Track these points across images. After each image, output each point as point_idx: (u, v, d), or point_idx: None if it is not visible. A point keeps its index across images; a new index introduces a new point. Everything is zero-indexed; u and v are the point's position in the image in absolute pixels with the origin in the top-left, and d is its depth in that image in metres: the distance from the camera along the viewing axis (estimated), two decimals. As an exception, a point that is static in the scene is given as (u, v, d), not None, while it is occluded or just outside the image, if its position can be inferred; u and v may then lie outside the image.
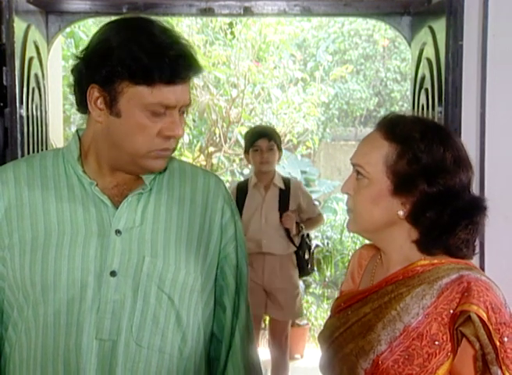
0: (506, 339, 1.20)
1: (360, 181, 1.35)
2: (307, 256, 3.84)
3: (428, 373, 1.23)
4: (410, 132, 1.31)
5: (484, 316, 1.20)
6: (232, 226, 1.51)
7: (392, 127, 1.33)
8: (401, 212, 1.31)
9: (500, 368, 1.19)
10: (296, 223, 3.75)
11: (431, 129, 1.34)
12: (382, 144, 1.32)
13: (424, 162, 1.28)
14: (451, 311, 1.24)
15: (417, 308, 1.27)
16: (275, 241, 3.74)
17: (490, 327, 1.20)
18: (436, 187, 1.28)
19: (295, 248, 3.80)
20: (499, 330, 1.20)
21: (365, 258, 1.51)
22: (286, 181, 3.87)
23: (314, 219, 3.94)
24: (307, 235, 3.85)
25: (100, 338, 1.34)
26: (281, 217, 3.72)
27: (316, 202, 8.77)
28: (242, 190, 3.82)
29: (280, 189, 3.79)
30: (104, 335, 1.34)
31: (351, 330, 1.35)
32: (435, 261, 1.32)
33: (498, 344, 1.19)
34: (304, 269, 3.87)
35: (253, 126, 6.16)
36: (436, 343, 1.24)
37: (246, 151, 3.86)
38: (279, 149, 3.81)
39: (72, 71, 1.36)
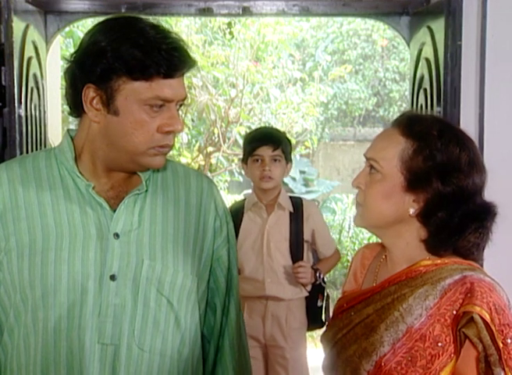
0: (509, 341, 1.20)
1: (373, 176, 1.34)
2: (319, 303, 2.89)
3: (432, 374, 1.23)
4: (429, 130, 1.31)
5: (487, 317, 1.20)
6: (224, 227, 1.51)
7: (411, 124, 1.34)
8: (412, 210, 1.31)
9: (503, 370, 1.19)
10: (313, 268, 2.82)
11: (448, 128, 1.35)
12: (398, 140, 1.32)
13: (439, 160, 1.29)
14: (454, 312, 1.24)
15: (420, 310, 1.27)
16: (282, 281, 2.81)
17: (493, 328, 1.19)
18: (450, 186, 1.28)
19: (307, 293, 2.86)
20: (502, 331, 1.20)
21: (368, 258, 1.50)
22: (297, 201, 2.91)
23: (330, 260, 2.97)
24: (322, 277, 2.88)
25: (102, 343, 1.33)
26: (291, 251, 2.84)
27: (315, 202, 8.80)
28: (236, 213, 2.78)
29: (289, 212, 2.86)
30: (106, 339, 1.33)
31: (354, 331, 1.35)
32: (439, 261, 1.31)
33: (501, 345, 1.19)
34: (315, 319, 2.90)
35: (253, 126, 6.15)
36: (439, 344, 1.23)
37: (243, 160, 2.92)
38: (288, 160, 2.86)
39: (65, 74, 1.35)
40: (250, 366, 1.60)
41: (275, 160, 2.80)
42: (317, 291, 2.88)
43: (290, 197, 2.95)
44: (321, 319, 2.93)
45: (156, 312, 1.37)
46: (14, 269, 1.33)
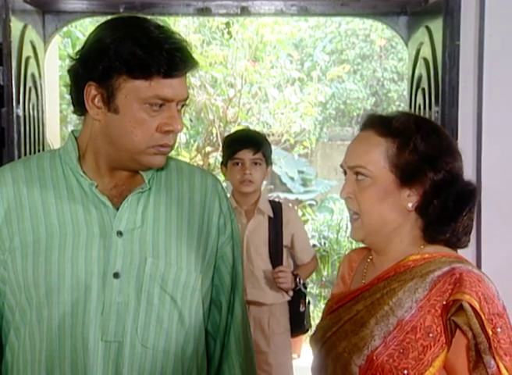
0: (499, 329, 1.21)
1: (361, 182, 1.35)
2: (302, 308, 2.89)
3: (424, 365, 1.24)
4: (406, 124, 1.34)
5: (476, 305, 1.21)
6: (229, 225, 1.52)
7: (386, 123, 1.35)
8: (410, 204, 1.33)
9: (494, 358, 1.20)
10: (293, 274, 2.81)
11: (422, 120, 1.40)
12: (378, 142, 1.34)
13: (424, 151, 1.31)
14: (444, 302, 1.26)
15: (410, 302, 1.28)
16: (263, 286, 2.79)
17: (483, 317, 1.21)
18: (441, 172, 1.31)
19: (289, 297, 2.85)
20: (492, 320, 1.22)
21: (355, 261, 1.52)
22: (276, 206, 2.88)
23: (309, 267, 2.97)
24: (303, 283, 2.87)
25: (105, 340, 1.34)
26: (271, 256, 2.82)
27: (313, 202, 8.80)
28: None
29: (269, 217, 2.84)
30: (110, 337, 1.34)
31: (343, 328, 1.36)
32: (427, 255, 1.34)
33: (490, 333, 1.21)
34: (297, 325, 2.90)
35: (251, 126, 6.14)
36: (431, 335, 1.25)
37: (223, 163, 2.87)
38: (268, 163, 2.83)
39: (69, 72, 1.37)
40: (256, 363, 1.60)
41: (256, 164, 2.75)
42: (299, 296, 2.86)
43: (269, 201, 2.92)
44: (304, 325, 2.92)
45: (160, 310, 1.37)
46: (18, 268, 1.35)
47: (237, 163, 2.76)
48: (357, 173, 1.35)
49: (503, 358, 1.20)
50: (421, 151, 1.31)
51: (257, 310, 2.80)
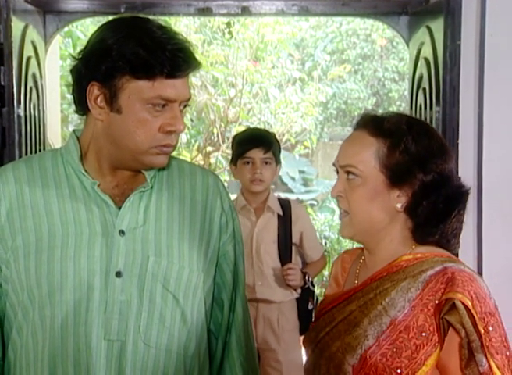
0: (491, 328, 1.22)
1: (352, 182, 1.35)
2: (310, 306, 2.87)
3: (417, 364, 1.25)
4: (398, 125, 1.34)
5: (469, 303, 1.22)
6: (230, 224, 1.52)
7: (378, 123, 1.36)
8: (399, 205, 1.33)
9: (485, 356, 1.21)
10: (302, 272, 2.82)
11: (414, 121, 1.40)
12: (370, 142, 1.35)
13: (415, 152, 1.32)
14: (436, 301, 1.26)
15: (403, 302, 1.29)
16: (272, 284, 2.80)
17: (475, 316, 1.22)
18: (431, 174, 1.31)
19: (297, 295, 2.86)
20: (484, 319, 1.22)
21: (348, 262, 1.52)
22: (285, 204, 2.89)
23: (318, 264, 2.98)
24: (311, 281, 2.86)
25: (108, 339, 1.34)
26: (280, 254, 2.83)
27: (314, 201, 8.79)
28: None
29: (278, 215, 2.84)
30: (113, 336, 1.34)
31: (337, 328, 1.37)
32: (419, 255, 1.34)
33: (482, 332, 1.21)
34: (306, 323, 2.81)
35: (251, 126, 6.14)
36: (423, 334, 1.26)
37: (233, 162, 2.86)
38: (277, 162, 2.84)
39: (71, 71, 1.37)
40: (257, 361, 1.61)
41: (266, 163, 2.77)
42: (307, 294, 2.87)
43: (278, 199, 2.93)
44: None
45: (162, 308, 1.38)
46: (21, 268, 1.35)
47: (248, 162, 2.77)
48: (348, 173, 1.36)
49: (495, 357, 1.22)
50: (411, 152, 1.32)
51: (267, 308, 2.81)
